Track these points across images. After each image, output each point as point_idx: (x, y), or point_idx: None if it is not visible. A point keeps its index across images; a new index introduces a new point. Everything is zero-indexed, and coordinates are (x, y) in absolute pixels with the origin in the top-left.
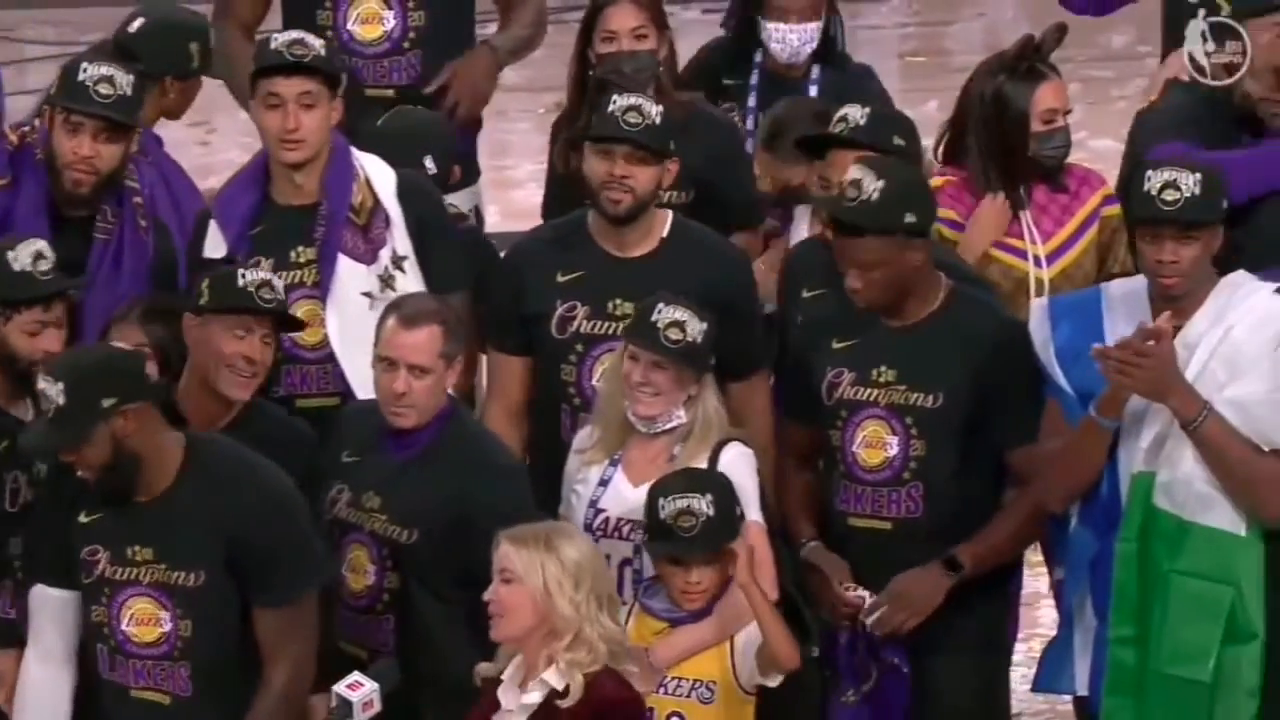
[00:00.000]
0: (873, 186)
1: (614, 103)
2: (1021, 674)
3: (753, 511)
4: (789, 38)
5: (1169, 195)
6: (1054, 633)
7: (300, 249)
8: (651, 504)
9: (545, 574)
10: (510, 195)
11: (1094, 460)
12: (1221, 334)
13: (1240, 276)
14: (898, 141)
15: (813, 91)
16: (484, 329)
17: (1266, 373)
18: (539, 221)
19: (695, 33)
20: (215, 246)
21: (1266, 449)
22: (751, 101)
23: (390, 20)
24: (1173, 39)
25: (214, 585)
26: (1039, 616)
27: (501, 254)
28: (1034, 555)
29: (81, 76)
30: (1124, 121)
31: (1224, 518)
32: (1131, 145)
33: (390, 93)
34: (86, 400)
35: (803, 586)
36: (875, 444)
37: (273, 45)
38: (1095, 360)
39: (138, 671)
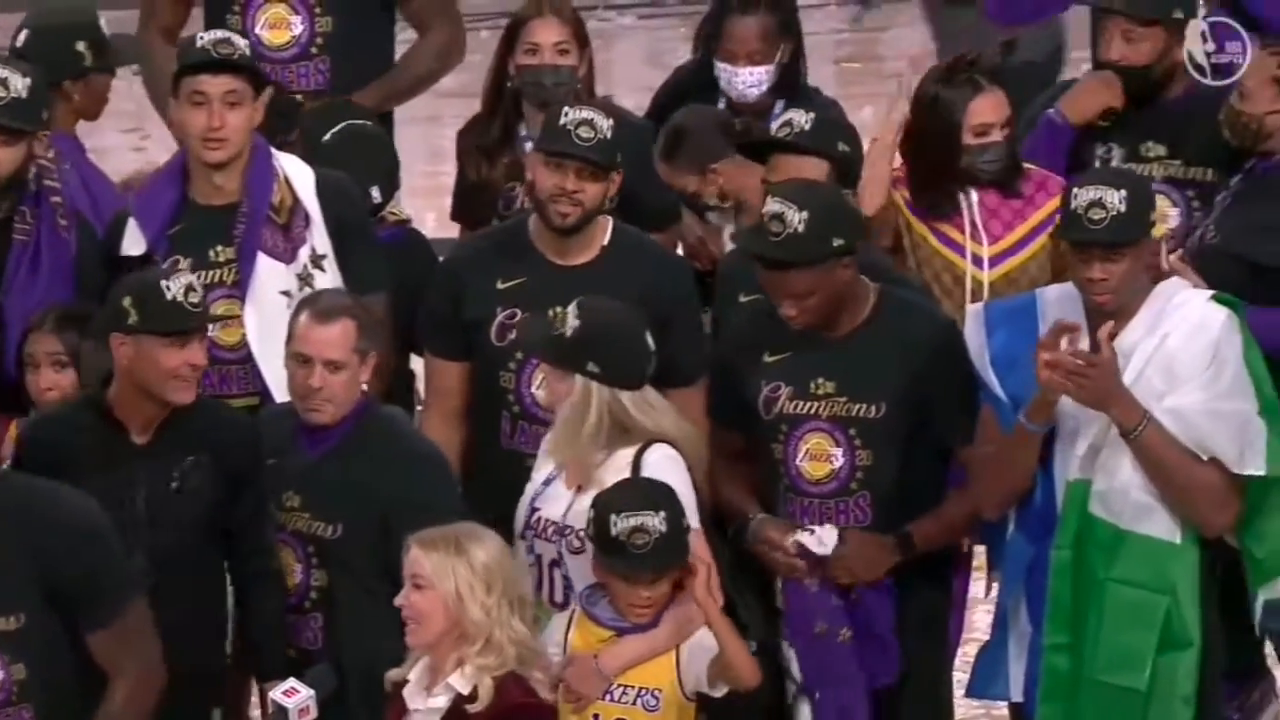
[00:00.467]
0: (797, 219)
1: (566, 115)
2: (957, 679)
3: (690, 517)
4: (735, 80)
5: (1095, 214)
6: (988, 637)
7: (219, 248)
8: (602, 519)
9: (456, 578)
10: (445, 201)
11: (1026, 466)
12: (1157, 343)
13: (1173, 285)
14: (842, 148)
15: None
16: (421, 332)
17: (1204, 382)
18: None
19: (628, 39)
20: (133, 244)
21: (1205, 458)
22: None
23: (298, 25)
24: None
25: (36, 624)
26: (974, 621)
27: (439, 259)
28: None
29: None
30: None
31: (1160, 526)
32: None
33: (299, 98)
34: None
35: (740, 580)
36: (819, 456)
37: (199, 43)
38: (1042, 367)
39: None
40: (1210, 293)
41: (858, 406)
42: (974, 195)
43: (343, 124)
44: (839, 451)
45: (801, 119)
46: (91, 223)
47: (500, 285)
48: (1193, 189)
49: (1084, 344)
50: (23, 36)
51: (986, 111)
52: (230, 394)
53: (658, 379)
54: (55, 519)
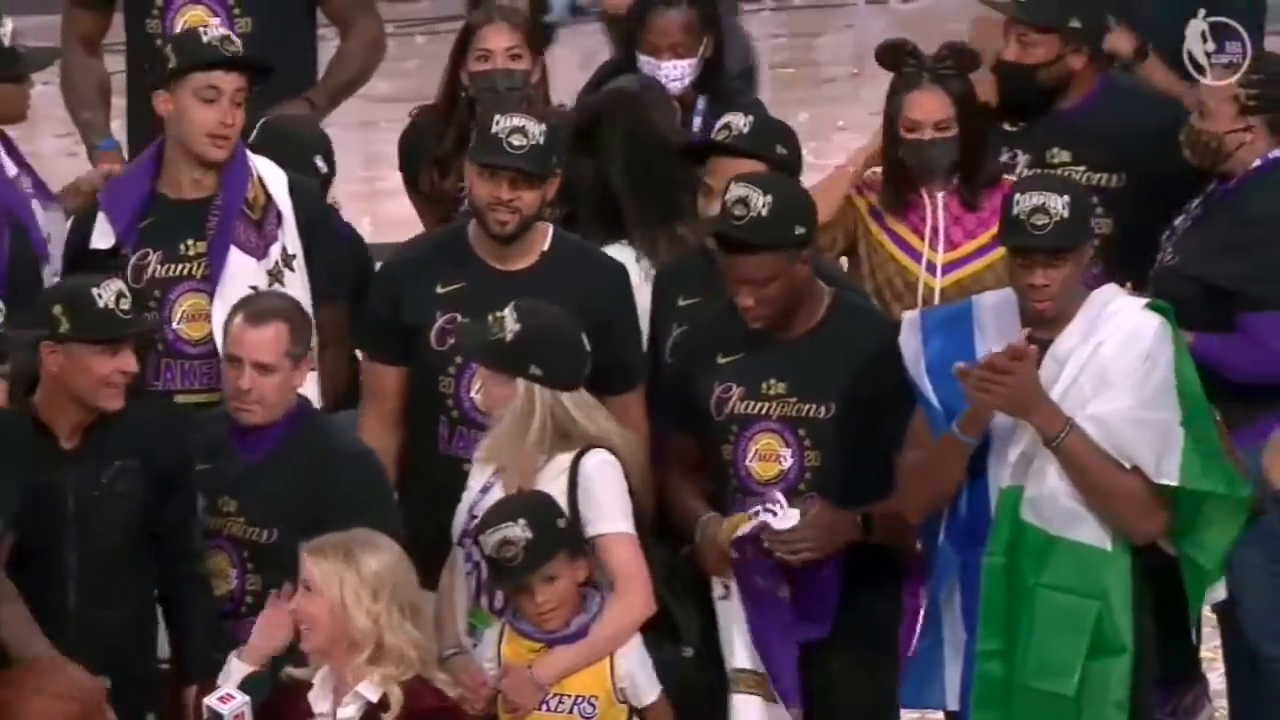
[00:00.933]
0: (761, 202)
1: (498, 123)
2: None
3: (617, 522)
4: (658, 74)
5: (1038, 220)
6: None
7: (190, 242)
8: (480, 547)
9: (343, 586)
10: (382, 206)
11: (953, 475)
12: (1091, 350)
13: (1109, 292)
14: (780, 150)
15: (698, 123)
16: (359, 336)
17: (1131, 389)
18: (412, 232)
19: (561, 42)
20: (102, 237)
21: (1128, 465)
22: None
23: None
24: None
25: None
26: None
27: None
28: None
29: None
30: None
31: (1090, 532)
32: None
33: None
34: None
35: (676, 585)
36: (769, 457)
37: (204, 39)
38: (957, 379)
39: None
40: (1144, 300)
41: (808, 407)
42: (940, 199)
43: (260, 120)
44: (788, 452)
45: (740, 122)
46: (25, 224)
47: (440, 290)
48: (1097, 195)
49: None
50: None
51: (915, 108)
52: (190, 389)
53: (599, 384)
54: None
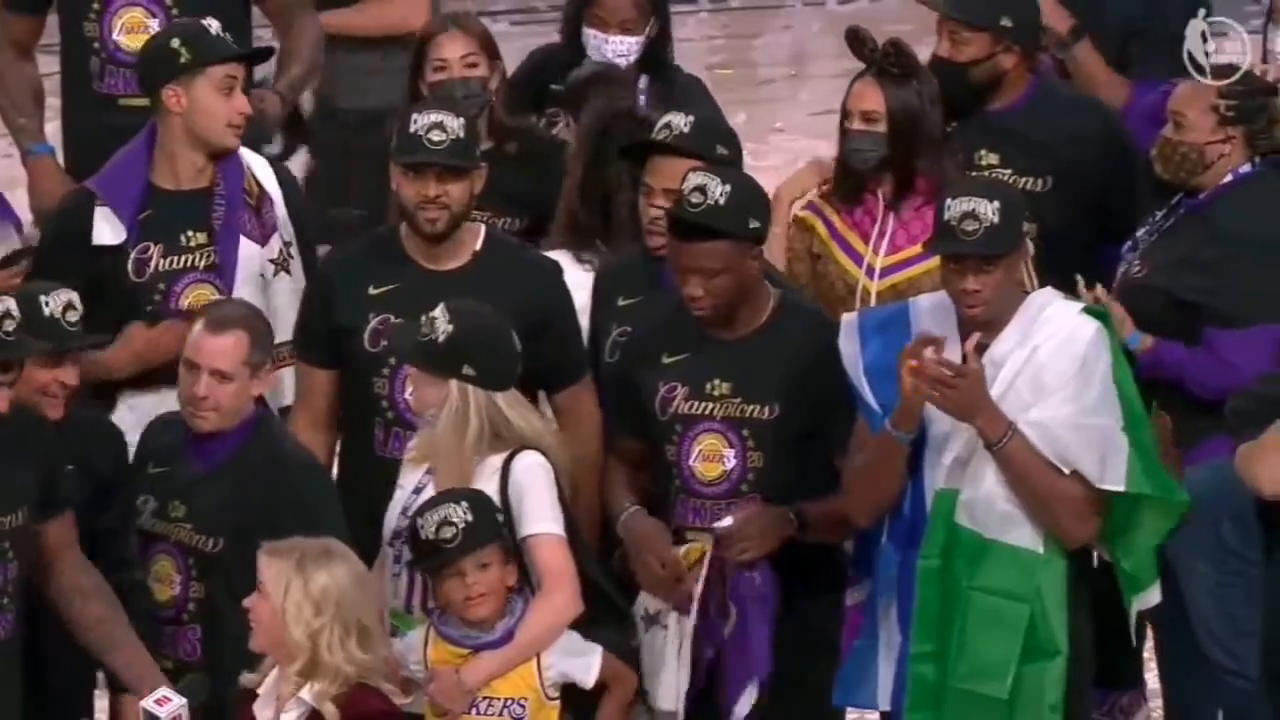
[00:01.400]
0: (719, 191)
1: (414, 122)
2: None
3: (547, 523)
4: (604, 48)
5: (968, 226)
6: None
7: (190, 232)
8: (413, 532)
9: (287, 594)
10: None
11: (893, 475)
12: (1027, 354)
13: (1045, 295)
14: (720, 150)
15: (643, 100)
16: (293, 337)
17: (1070, 395)
18: None
19: (504, 45)
20: (107, 233)
21: (1067, 471)
22: None
23: (155, 28)
24: None
25: None
26: None
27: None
28: None
29: None
30: None
31: (1024, 536)
32: None
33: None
34: None
35: (617, 575)
36: (712, 457)
37: (212, 32)
38: (906, 374)
39: None
40: (1080, 305)
41: (751, 407)
42: (881, 200)
43: None
44: (731, 453)
45: (680, 121)
46: None
47: (373, 291)
48: (1024, 197)
49: (955, 355)
50: None
51: (851, 96)
52: None
53: (547, 381)
54: None
